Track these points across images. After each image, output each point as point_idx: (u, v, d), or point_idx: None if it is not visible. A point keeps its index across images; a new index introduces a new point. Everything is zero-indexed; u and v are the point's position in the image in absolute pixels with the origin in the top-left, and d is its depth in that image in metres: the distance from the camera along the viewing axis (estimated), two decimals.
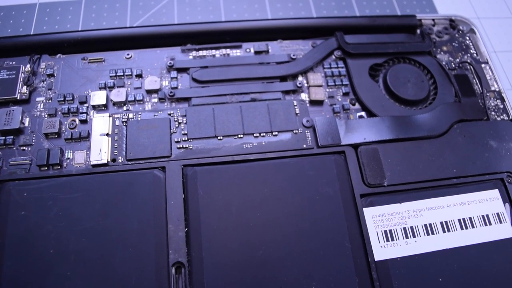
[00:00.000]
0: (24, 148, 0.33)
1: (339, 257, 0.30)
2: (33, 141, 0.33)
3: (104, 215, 0.30)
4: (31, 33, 0.44)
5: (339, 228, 0.31)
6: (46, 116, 0.34)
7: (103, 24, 0.43)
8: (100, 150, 0.32)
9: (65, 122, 0.34)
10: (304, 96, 0.37)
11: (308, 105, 0.36)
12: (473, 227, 0.33)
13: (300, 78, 0.37)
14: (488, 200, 0.34)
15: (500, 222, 0.33)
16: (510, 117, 0.37)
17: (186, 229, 0.30)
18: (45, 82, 0.36)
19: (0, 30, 0.44)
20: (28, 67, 0.36)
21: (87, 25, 0.43)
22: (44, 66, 0.37)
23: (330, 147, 0.34)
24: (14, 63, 0.37)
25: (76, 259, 0.29)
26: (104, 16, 0.44)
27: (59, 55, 0.38)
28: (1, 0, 0.45)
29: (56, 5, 0.44)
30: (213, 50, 0.38)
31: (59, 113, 0.35)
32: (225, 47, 0.38)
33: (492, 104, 0.38)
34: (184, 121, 0.34)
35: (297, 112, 0.35)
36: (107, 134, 0.33)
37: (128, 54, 0.37)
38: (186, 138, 0.33)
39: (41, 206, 0.30)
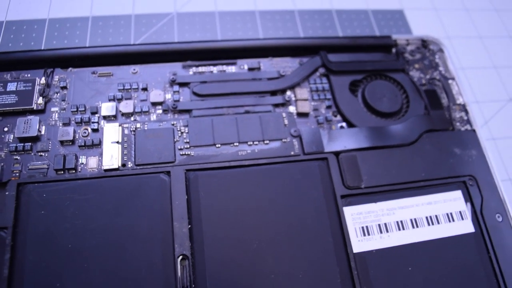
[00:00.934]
0: (41, 153, 0.36)
1: (323, 250, 0.34)
2: (50, 147, 0.36)
3: (116, 214, 0.33)
4: (42, 47, 0.47)
5: (322, 225, 0.35)
6: (60, 125, 0.37)
7: (109, 40, 0.47)
8: (111, 156, 0.36)
9: (78, 131, 0.38)
10: (292, 108, 0.40)
11: (295, 117, 0.39)
12: (438, 223, 0.37)
13: (288, 93, 0.41)
14: (452, 200, 0.38)
15: (462, 219, 0.37)
16: (472, 127, 0.41)
17: (189, 226, 0.33)
18: (58, 94, 0.39)
19: (13, 43, 0.47)
20: (43, 80, 0.40)
21: (94, 40, 0.47)
22: (57, 79, 0.40)
23: (314, 154, 0.37)
24: (29, 75, 0.40)
25: (92, 253, 0.32)
26: (109, 32, 0.47)
27: (70, 68, 0.41)
28: (13, 14, 0.48)
29: (65, 21, 0.48)
30: (211, 67, 0.41)
31: (73, 122, 0.38)
32: (222, 64, 0.41)
33: (457, 116, 0.43)
34: (186, 131, 0.37)
35: (285, 123, 0.39)
36: (118, 142, 0.37)
37: (134, 69, 0.41)
38: (188, 146, 0.37)
39: (59, 206, 0.33)
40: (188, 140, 0.37)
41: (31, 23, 0.47)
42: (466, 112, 0.43)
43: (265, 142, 0.38)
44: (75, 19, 0.48)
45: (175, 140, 0.37)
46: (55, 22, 0.48)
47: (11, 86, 0.39)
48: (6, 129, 0.37)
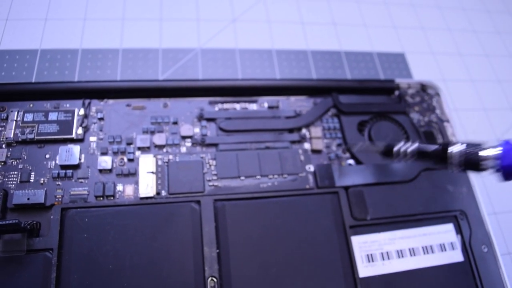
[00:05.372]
0: (82, 180, 0.40)
1: (333, 273, 0.39)
2: (89, 174, 0.40)
3: (152, 239, 0.37)
4: (76, 76, 0.50)
5: (333, 251, 0.39)
6: (99, 154, 0.42)
7: (138, 72, 0.51)
8: (147, 185, 0.40)
9: (115, 160, 0.42)
10: (307, 145, 0.44)
11: (310, 153, 0.44)
12: (432, 252, 0.41)
13: (303, 131, 0.45)
14: (445, 232, 0.43)
15: (453, 249, 0.42)
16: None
17: (218, 250, 0.37)
18: (96, 124, 0.43)
19: (48, 71, 0.50)
20: (82, 111, 0.44)
21: (125, 71, 0.51)
22: (94, 110, 0.44)
23: (327, 188, 0.42)
24: (68, 105, 0.43)
25: (131, 273, 0.36)
26: (139, 65, 0.51)
27: (105, 99, 0.45)
28: (47, 43, 0.52)
29: (97, 52, 0.51)
30: (235, 104, 0.46)
31: (110, 151, 0.42)
32: (244, 101, 0.46)
33: None
34: (214, 163, 0.42)
35: (301, 159, 0.43)
36: (153, 172, 0.41)
37: (165, 104, 0.45)
38: (216, 178, 0.41)
39: (100, 230, 0.37)
40: (215, 172, 0.41)
41: (64, 52, 0.51)
42: None
43: (284, 176, 0.42)
44: (106, 51, 0.52)
45: (204, 171, 0.41)
46: (88, 53, 0.51)
47: (52, 116, 0.43)
48: (47, 156, 0.41)
